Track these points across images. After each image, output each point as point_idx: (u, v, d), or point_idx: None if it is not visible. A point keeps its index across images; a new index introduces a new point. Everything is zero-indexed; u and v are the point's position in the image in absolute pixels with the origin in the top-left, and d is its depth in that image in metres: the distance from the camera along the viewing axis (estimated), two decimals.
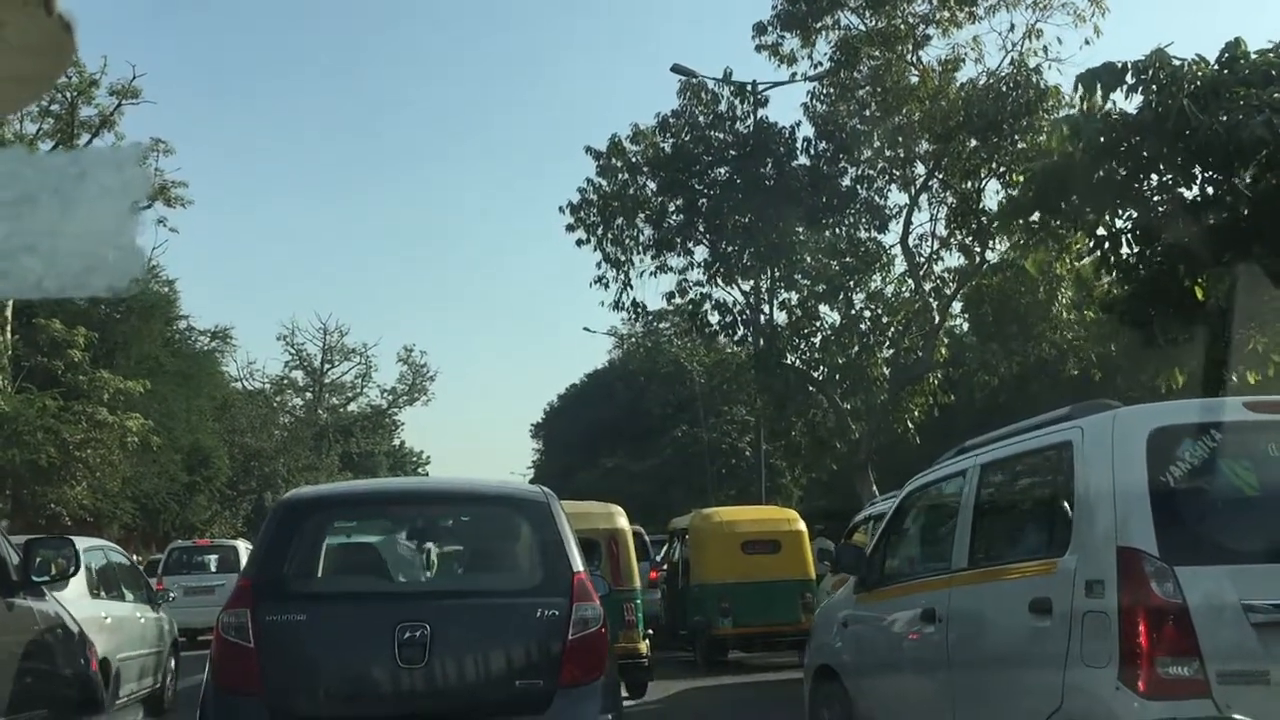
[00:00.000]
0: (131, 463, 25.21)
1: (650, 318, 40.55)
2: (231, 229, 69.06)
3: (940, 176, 17.86)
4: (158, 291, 30.72)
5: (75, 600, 8.13)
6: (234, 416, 38.78)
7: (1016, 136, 16.32)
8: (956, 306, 19.78)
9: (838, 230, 18.10)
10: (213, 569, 18.45)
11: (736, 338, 19.54)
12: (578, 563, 5.16)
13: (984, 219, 17.52)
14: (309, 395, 52.32)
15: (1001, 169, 16.76)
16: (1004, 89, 16.34)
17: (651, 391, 39.38)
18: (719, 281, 18.91)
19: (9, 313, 24.73)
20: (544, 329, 78.80)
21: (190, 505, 31.63)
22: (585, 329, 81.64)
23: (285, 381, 51.21)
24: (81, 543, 9.15)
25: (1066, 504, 4.50)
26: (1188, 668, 3.89)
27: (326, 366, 52.53)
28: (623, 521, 10.92)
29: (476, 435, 76.77)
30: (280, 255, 72.89)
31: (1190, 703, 3.83)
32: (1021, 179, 8.13)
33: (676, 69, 19.80)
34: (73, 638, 5.70)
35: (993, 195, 17.69)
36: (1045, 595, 4.41)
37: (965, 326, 23.46)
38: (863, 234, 18.39)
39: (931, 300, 18.35)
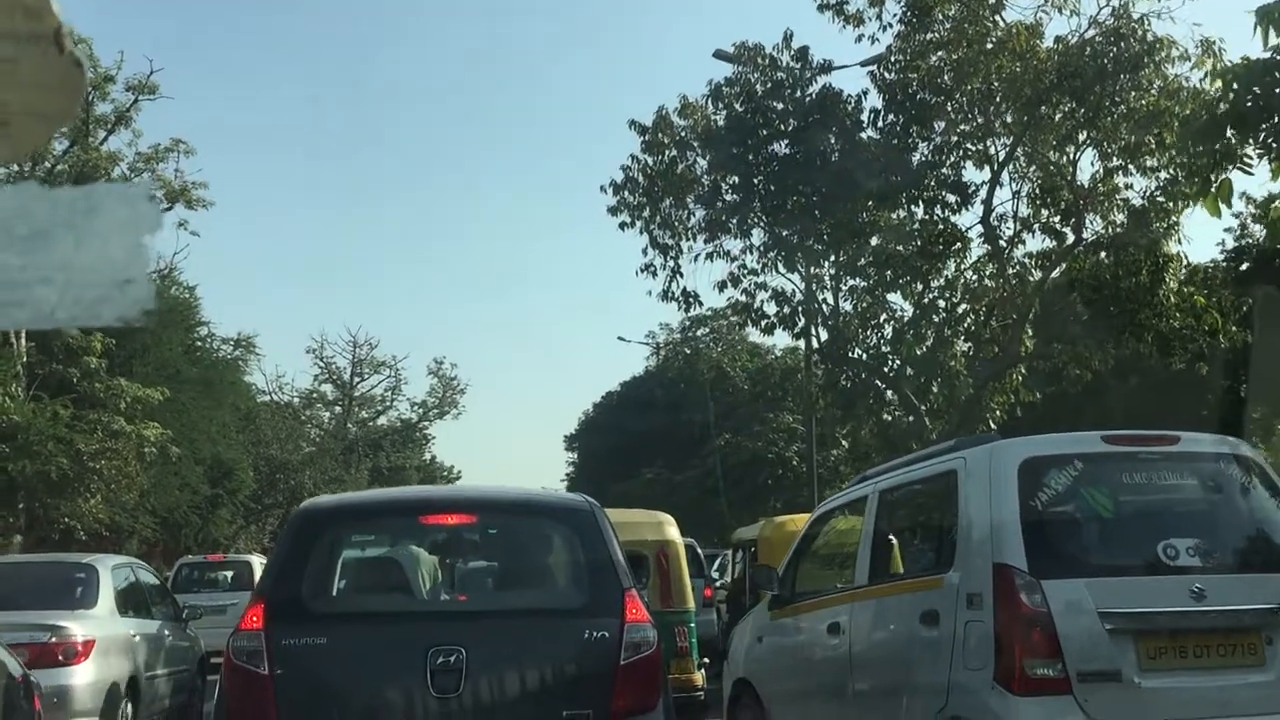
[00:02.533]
0: (150, 474, 24.09)
1: (688, 320, 39.10)
2: (254, 234, 68.04)
3: (1025, 148, 16.06)
4: (178, 297, 29.68)
5: (104, 618, 8.16)
6: (259, 428, 37.67)
7: (1118, 98, 14.52)
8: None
9: (912, 209, 16.32)
10: (225, 586, 17.14)
11: (796, 330, 17.81)
12: (628, 579, 4.79)
13: (1075, 195, 15.73)
14: (338, 409, 51.40)
15: (1101, 137, 14.96)
16: (1105, 42, 14.51)
17: (692, 399, 37.76)
18: (779, 268, 17.22)
19: None
20: (577, 339, 77.49)
21: (213, 519, 30.50)
22: (620, 338, 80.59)
23: (315, 395, 50.35)
24: (108, 560, 9.24)
25: (951, 525, 5.00)
26: (1052, 669, 4.36)
27: (356, 379, 51.63)
28: (674, 532, 9.54)
29: (508, 448, 75.43)
30: (305, 263, 71.98)
31: (1054, 699, 4.35)
32: (1221, 82, 6.47)
33: (720, 55, 18.17)
34: (13, 681, 5.04)
35: (1087, 167, 15.91)
36: (933, 608, 4.88)
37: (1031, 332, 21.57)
38: (938, 214, 16.57)
39: (1014, 283, 16.56)
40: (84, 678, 7.52)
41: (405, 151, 73.46)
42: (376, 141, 73.80)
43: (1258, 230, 19.46)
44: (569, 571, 5.15)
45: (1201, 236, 71.34)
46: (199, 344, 31.74)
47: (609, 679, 4.51)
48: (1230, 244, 20.94)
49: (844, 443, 29.81)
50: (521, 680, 4.51)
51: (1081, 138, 15.33)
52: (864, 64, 17.10)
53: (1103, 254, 15.87)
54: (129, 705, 8.19)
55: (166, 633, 9.49)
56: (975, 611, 4.59)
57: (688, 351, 40.95)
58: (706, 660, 9.73)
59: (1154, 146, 14.57)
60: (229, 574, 17.67)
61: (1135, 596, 4.48)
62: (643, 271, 17.76)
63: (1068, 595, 4.43)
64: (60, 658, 7.40)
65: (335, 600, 5.10)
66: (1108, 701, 4.32)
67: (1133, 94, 14.36)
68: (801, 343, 19.38)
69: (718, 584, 15.77)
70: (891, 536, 6.06)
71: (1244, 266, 18.46)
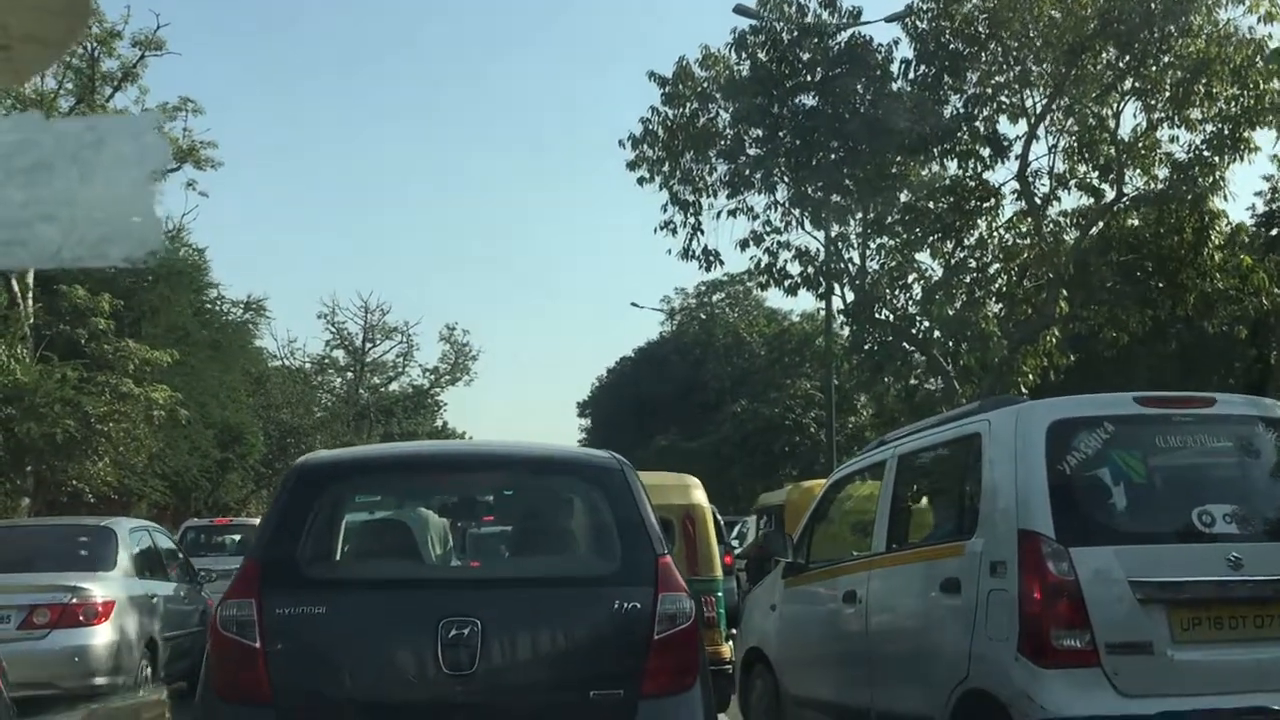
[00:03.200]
0: (158, 438, 23.78)
1: (704, 285, 38.35)
2: (264, 195, 67.37)
3: (1064, 101, 15.36)
4: (187, 258, 29.30)
5: (122, 579, 8.28)
6: (270, 392, 37.40)
7: (1164, 45, 13.80)
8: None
9: (944, 163, 15.67)
10: (232, 550, 16.97)
11: (820, 291, 17.21)
12: (661, 544, 4.31)
13: (1115, 149, 15.06)
14: (350, 375, 51.18)
15: (1145, 87, 14.25)
16: None
17: (708, 365, 37.24)
18: (803, 225, 16.62)
19: (30, 279, 23.43)
20: (590, 305, 76.86)
21: (223, 483, 30.28)
22: (633, 304, 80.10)
23: (327, 361, 50.12)
24: (125, 523, 9.45)
25: (975, 491, 4.84)
26: (1079, 640, 4.20)
27: (368, 345, 51.35)
28: (701, 496, 9.08)
29: (521, 415, 75.11)
30: (315, 228, 71.25)
31: (1081, 671, 4.18)
32: None
33: (740, 10, 17.44)
34: None
35: (1129, 120, 15.22)
36: (955, 576, 4.73)
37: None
38: (971, 168, 15.91)
39: (1049, 242, 15.93)
40: (104, 638, 7.73)
41: (415, 115, 72.69)
42: (386, 106, 73.05)
43: None
44: (596, 535, 4.66)
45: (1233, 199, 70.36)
46: (208, 306, 31.39)
47: (641, 655, 4.05)
48: (1261, 208, 20.33)
49: (864, 411, 29.31)
50: (543, 656, 4.09)
51: (1124, 88, 14.63)
52: (890, 19, 16.42)
53: (1140, 211, 15.21)
54: (147, 665, 8.31)
55: (182, 595, 9.68)
56: (999, 580, 4.44)
57: (703, 317, 40.40)
58: (734, 631, 9.30)
59: (1202, 96, 13.89)
60: (235, 538, 17.55)
61: (1168, 565, 4.31)
62: (662, 229, 17.17)
63: (1097, 563, 4.26)
64: (81, 618, 7.62)
65: (335, 566, 4.65)
66: (1138, 674, 4.15)
67: (1180, 41, 13.64)
68: (823, 304, 18.82)
69: (736, 552, 15.38)
70: (924, 500, 5.85)
71: (1274, 231, 17.84)
